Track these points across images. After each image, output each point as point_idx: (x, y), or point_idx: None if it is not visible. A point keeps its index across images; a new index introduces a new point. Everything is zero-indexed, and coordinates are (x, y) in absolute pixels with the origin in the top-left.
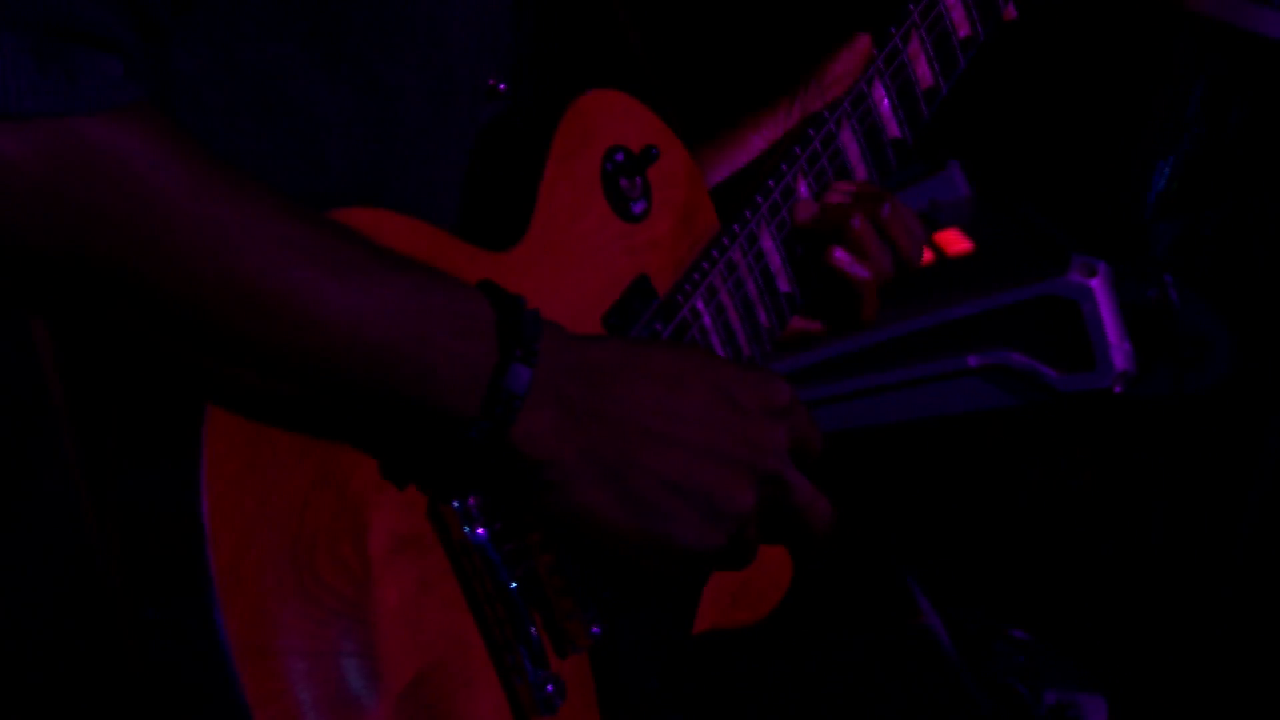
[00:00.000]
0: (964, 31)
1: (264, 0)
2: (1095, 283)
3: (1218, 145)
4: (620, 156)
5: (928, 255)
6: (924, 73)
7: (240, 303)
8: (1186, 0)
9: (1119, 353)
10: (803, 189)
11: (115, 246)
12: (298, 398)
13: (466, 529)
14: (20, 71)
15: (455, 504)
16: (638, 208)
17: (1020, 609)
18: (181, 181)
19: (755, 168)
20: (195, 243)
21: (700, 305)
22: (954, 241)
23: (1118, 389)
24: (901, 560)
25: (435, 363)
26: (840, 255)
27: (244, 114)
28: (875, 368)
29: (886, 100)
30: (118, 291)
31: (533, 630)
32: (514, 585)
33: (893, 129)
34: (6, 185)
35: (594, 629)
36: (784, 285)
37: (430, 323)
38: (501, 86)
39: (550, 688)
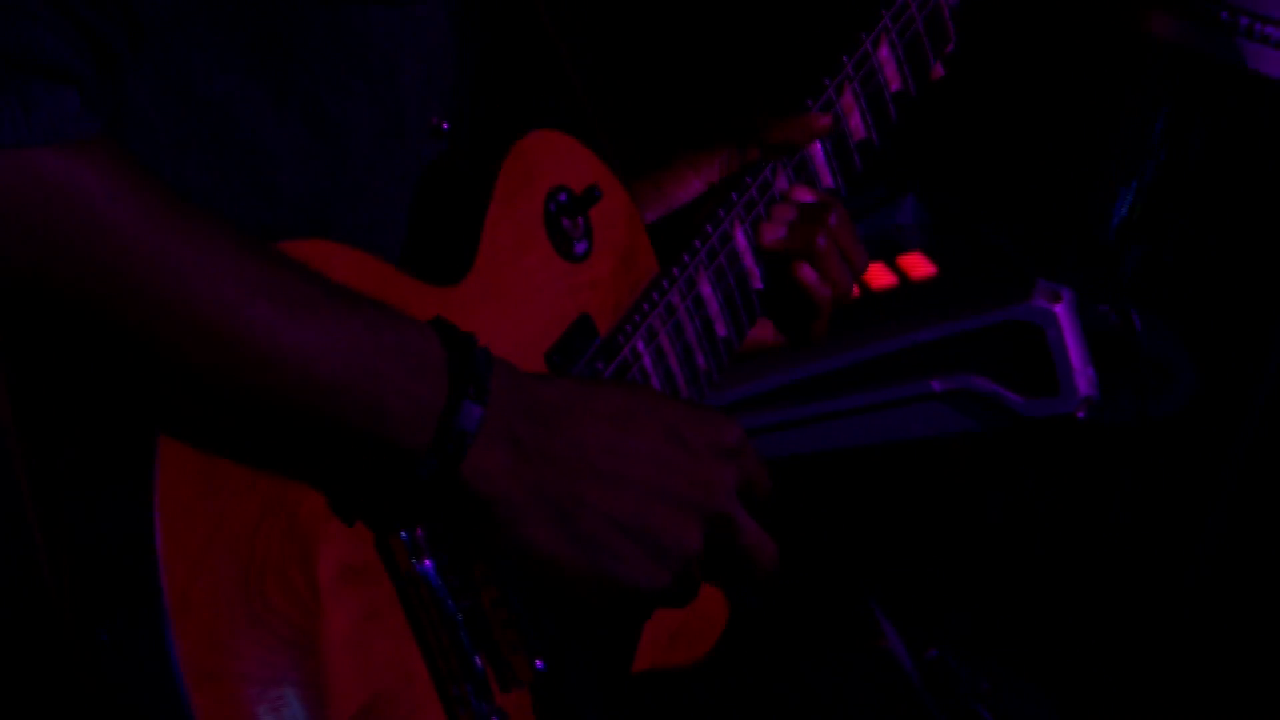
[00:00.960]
0: (896, 86)
1: (214, 34)
2: (1059, 308)
3: (1180, 172)
4: (563, 197)
5: (891, 279)
6: (857, 125)
7: (194, 337)
8: (1151, 27)
9: (1083, 378)
10: (739, 235)
11: (71, 278)
12: (249, 431)
13: (414, 560)
14: None
15: (403, 535)
16: (580, 248)
17: (984, 632)
18: (138, 216)
19: (694, 208)
20: (150, 277)
21: (641, 346)
22: (918, 266)
23: (1081, 414)
24: (865, 583)
25: (386, 400)
26: (807, 272)
27: (194, 145)
28: (839, 392)
29: (821, 152)
30: (73, 321)
31: (477, 662)
32: (459, 617)
33: (827, 179)
34: None
35: (538, 663)
36: (721, 330)
37: (382, 360)
38: (445, 125)
39: None
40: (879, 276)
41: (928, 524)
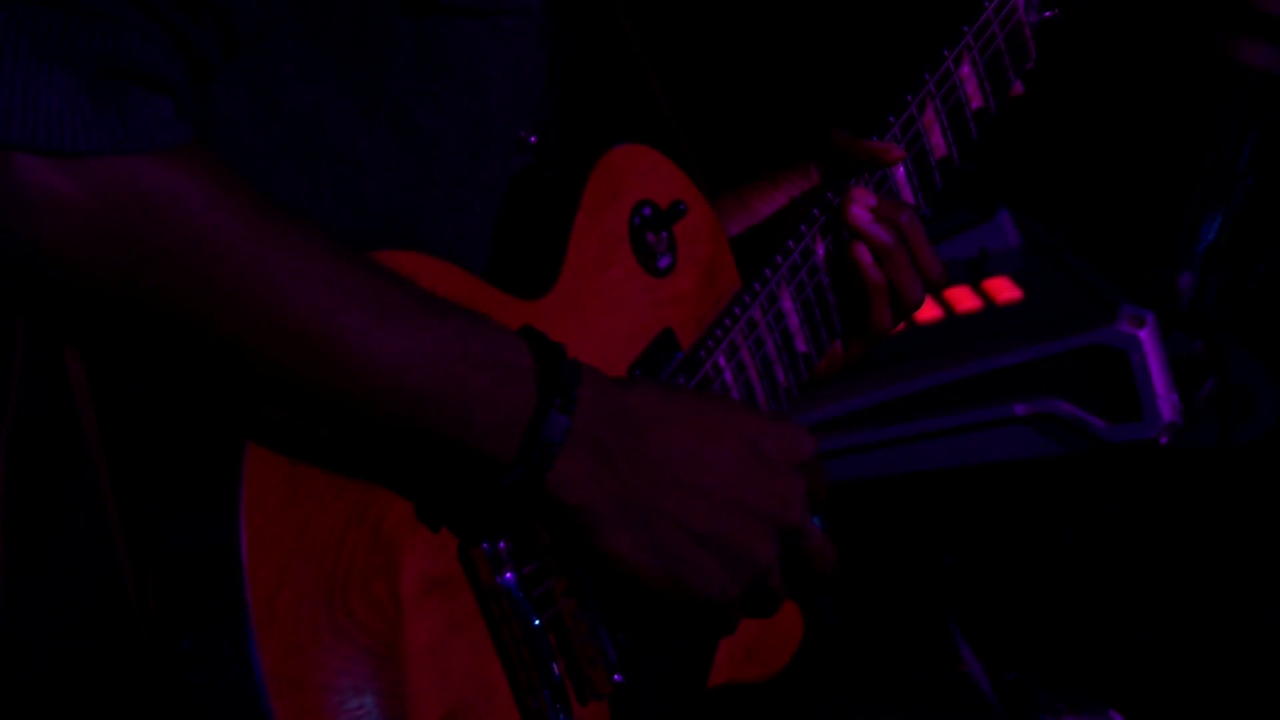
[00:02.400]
0: (977, 103)
1: (303, 46)
2: (1144, 333)
3: (1269, 198)
4: (648, 211)
5: (977, 302)
6: (938, 142)
7: (286, 343)
8: (1240, 54)
9: (1166, 404)
10: (820, 250)
11: (166, 284)
12: (338, 438)
13: (496, 573)
14: (76, 110)
15: (485, 547)
16: (664, 262)
17: (1063, 656)
18: (232, 221)
19: (776, 224)
20: (245, 283)
21: (722, 361)
22: (1003, 289)
23: (1164, 440)
24: (944, 606)
25: (474, 409)
26: (863, 252)
27: (284, 156)
28: (923, 414)
29: (902, 169)
30: (167, 328)
31: (556, 674)
32: (540, 629)
33: (908, 196)
34: (61, 222)
35: (616, 676)
36: (801, 345)
37: (470, 369)
38: (532, 139)
39: None
40: (964, 300)
41: (1007, 547)
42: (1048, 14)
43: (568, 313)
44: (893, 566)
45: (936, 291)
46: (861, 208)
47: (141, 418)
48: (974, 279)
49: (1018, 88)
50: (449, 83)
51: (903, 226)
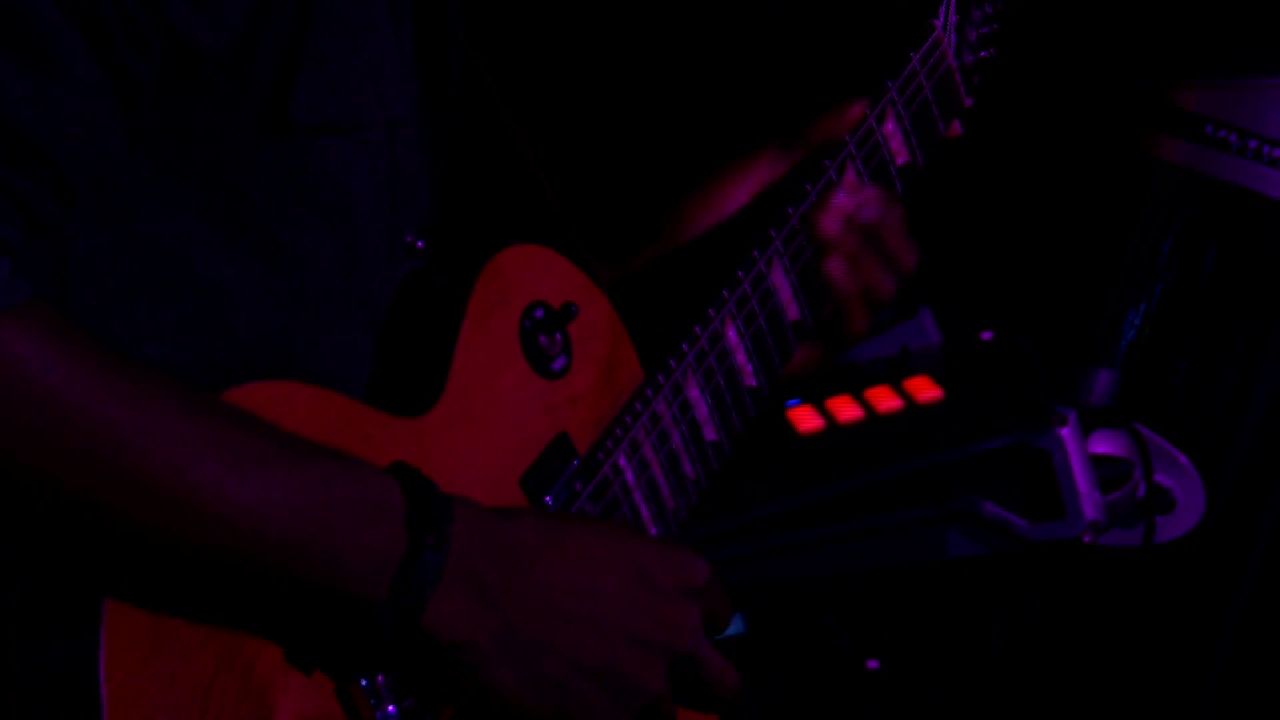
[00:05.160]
0: (902, 159)
1: (158, 177)
2: (1065, 431)
3: (1190, 294)
4: (540, 313)
5: (898, 402)
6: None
7: (140, 501)
8: (1160, 151)
9: (1089, 502)
10: (731, 333)
11: (10, 447)
12: (201, 591)
13: (376, 708)
14: None
15: (364, 683)
16: (558, 364)
17: None
18: (76, 381)
19: (740, 222)
20: (92, 444)
21: (622, 462)
22: (924, 388)
23: (1087, 538)
24: (869, 711)
25: (342, 554)
26: (833, 265)
27: (146, 290)
28: (845, 516)
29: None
30: (15, 489)
31: None
32: None
33: (793, 312)
34: None
35: None
36: (710, 434)
37: (336, 514)
38: (420, 244)
39: None
40: (885, 400)
41: (935, 642)
42: (984, 54)
43: (454, 427)
44: (816, 670)
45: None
46: (832, 218)
47: (9, 560)
48: (895, 378)
49: (955, 129)
50: (314, 202)
51: (876, 228)
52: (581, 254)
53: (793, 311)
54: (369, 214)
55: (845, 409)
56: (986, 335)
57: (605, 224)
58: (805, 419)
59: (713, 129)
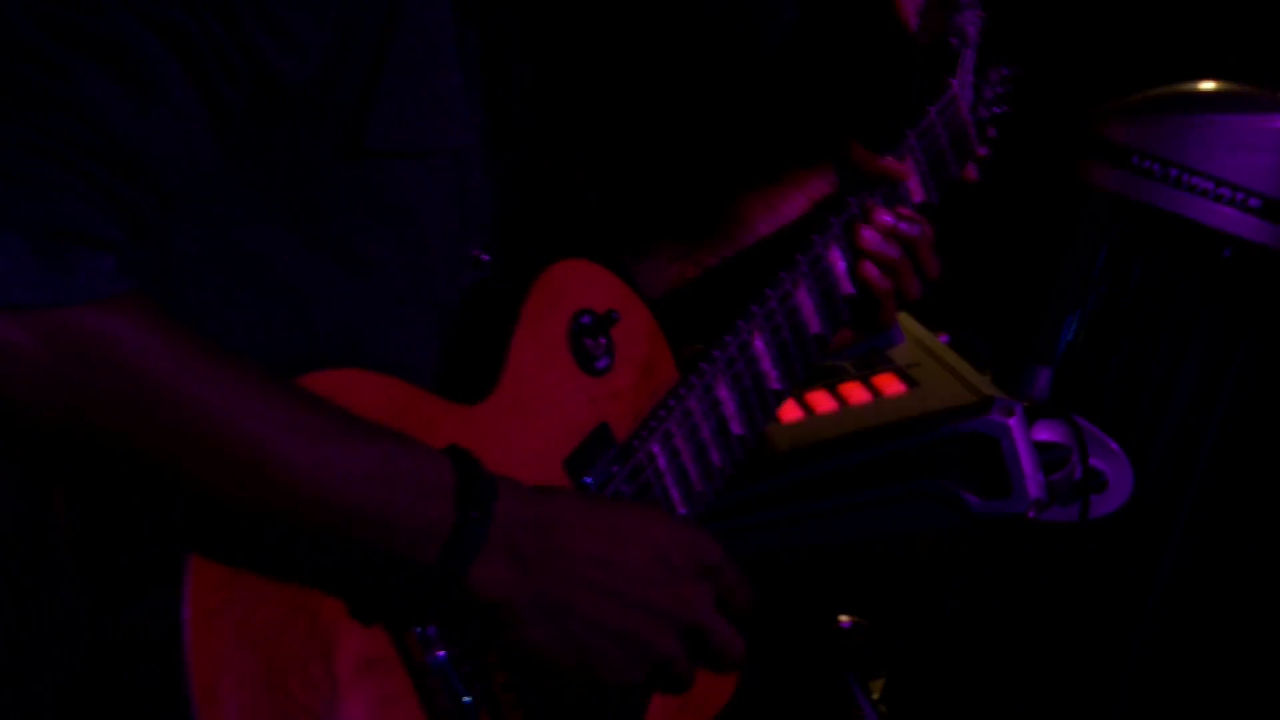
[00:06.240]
0: (918, 198)
1: (251, 192)
2: (1012, 421)
3: (1119, 302)
4: (586, 319)
5: (868, 396)
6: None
7: (220, 471)
8: (1093, 179)
9: (1032, 482)
10: (758, 342)
11: (108, 420)
12: (271, 551)
13: (426, 653)
14: (23, 268)
15: (416, 631)
16: (601, 363)
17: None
18: (167, 363)
19: (797, 230)
20: (179, 418)
21: (656, 449)
22: (890, 384)
23: (1030, 514)
24: (843, 662)
25: (398, 522)
26: (869, 267)
27: (237, 288)
28: (822, 495)
29: (844, 265)
30: (110, 458)
31: None
32: (470, 705)
33: (845, 286)
34: (13, 368)
35: None
36: (737, 428)
37: (394, 487)
38: (485, 257)
39: None
40: (856, 394)
41: (899, 608)
42: (997, 110)
43: (506, 414)
44: (797, 629)
45: (931, 287)
46: (873, 230)
47: (109, 522)
48: (864, 376)
49: (971, 172)
50: (386, 217)
51: (912, 241)
52: (626, 268)
53: (815, 325)
54: (436, 229)
55: (822, 402)
56: (944, 338)
57: (647, 240)
58: (788, 410)
59: (751, 161)
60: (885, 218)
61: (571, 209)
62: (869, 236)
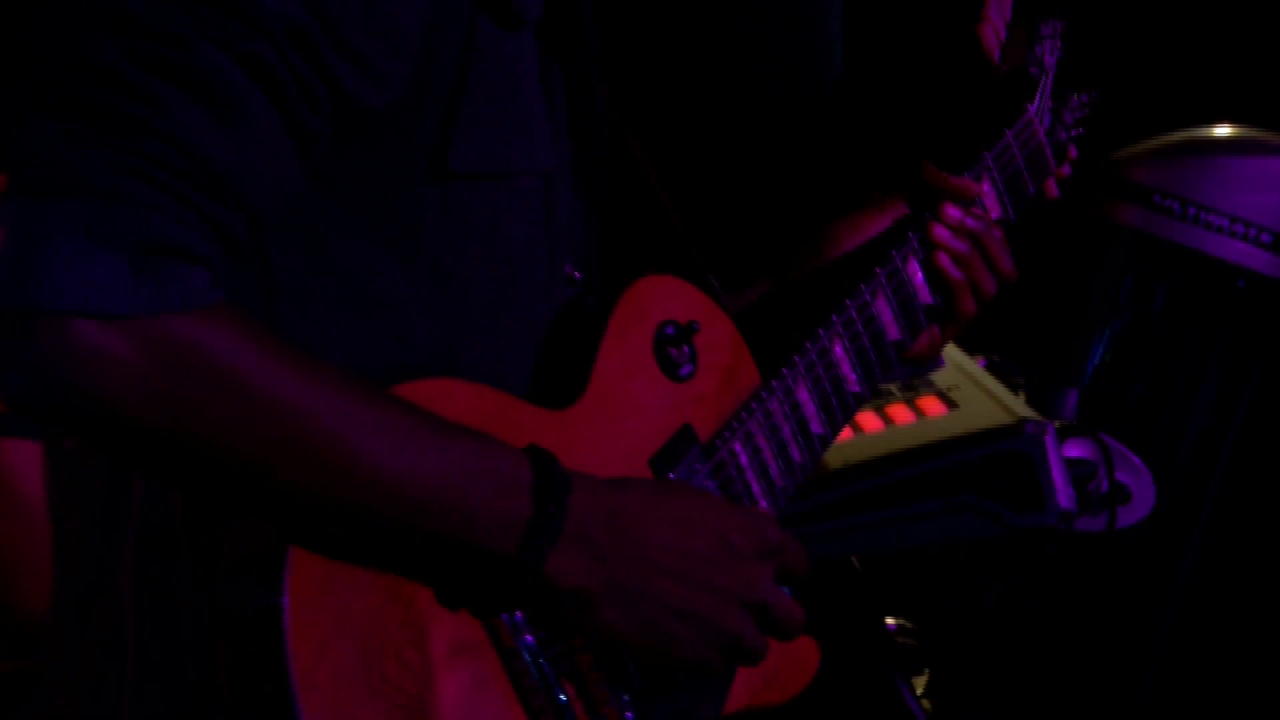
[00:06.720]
0: (995, 214)
1: (347, 210)
2: (1046, 441)
3: (1143, 329)
4: (670, 330)
5: (912, 416)
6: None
7: (311, 468)
8: (1118, 216)
9: (1064, 496)
10: (838, 349)
11: (201, 422)
12: (362, 541)
13: (515, 637)
14: (122, 281)
15: (505, 617)
16: (685, 370)
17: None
18: (257, 368)
19: (875, 246)
20: (269, 419)
21: (738, 447)
22: (932, 406)
23: (1062, 526)
24: (889, 661)
25: (479, 515)
26: (942, 258)
27: (337, 305)
28: (871, 508)
29: (922, 276)
30: (205, 456)
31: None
32: (558, 683)
33: (924, 296)
34: (112, 374)
35: (629, 715)
36: (817, 428)
37: (476, 484)
38: (577, 275)
39: None
40: (902, 415)
41: (944, 611)
42: (1075, 132)
43: (594, 417)
44: (848, 631)
45: (1008, 286)
46: (943, 227)
47: (218, 515)
48: (909, 398)
49: (1051, 189)
50: (475, 236)
51: (980, 236)
52: (710, 282)
53: (893, 332)
54: (524, 247)
55: (869, 421)
56: (982, 363)
57: (730, 257)
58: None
59: (827, 180)
60: (954, 213)
61: (657, 230)
62: (939, 232)
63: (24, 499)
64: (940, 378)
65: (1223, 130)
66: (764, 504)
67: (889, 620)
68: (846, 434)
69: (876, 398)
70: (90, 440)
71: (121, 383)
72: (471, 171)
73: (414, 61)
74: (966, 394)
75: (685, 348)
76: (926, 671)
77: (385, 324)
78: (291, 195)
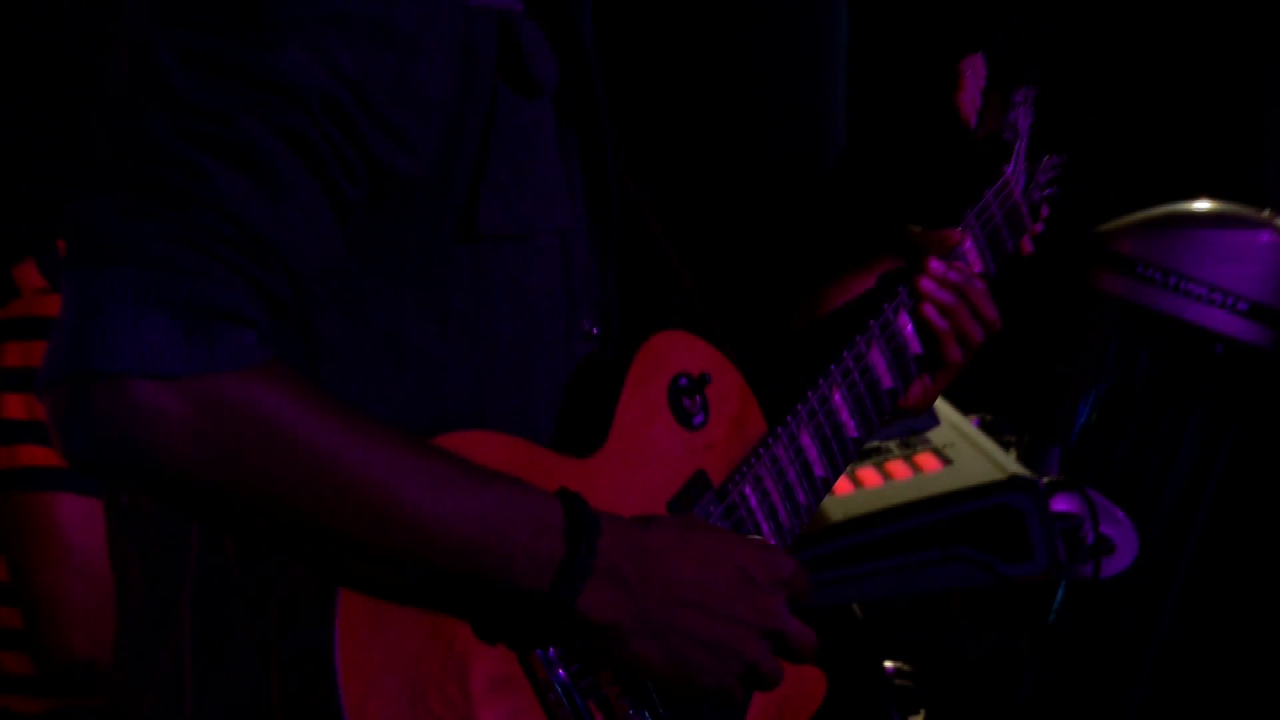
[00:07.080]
0: (978, 268)
1: (384, 273)
2: (1035, 496)
3: (1126, 391)
4: (684, 381)
5: (909, 473)
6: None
7: (356, 514)
8: (1102, 285)
9: (1051, 548)
10: (837, 396)
11: (252, 472)
12: (404, 582)
13: (549, 672)
14: (175, 343)
15: (539, 653)
16: (697, 419)
17: None
18: (303, 422)
19: (870, 299)
20: (316, 469)
21: (748, 491)
22: (928, 463)
23: (1050, 576)
24: (888, 701)
25: (514, 555)
26: (928, 309)
27: (375, 362)
28: (873, 558)
29: (911, 327)
30: (257, 509)
31: None
32: (587, 710)
33: (915, 347)
34: (169, 431)
35: None
36: (820, 471)
37: (512, 526)
38: (595, 330)
39: None
40: (899, 471)
41: (936, 653)
42: (1048, 191)
43: (614, 465)
44: (848, 671)
45: (994, 333)
46: (929, 279)
47: (271, 560)
48: (906, 455)
49: (1026, 246)
50: (501, 294)
51: (963, 287)
52: (719, 335)
53: (888, 381)
54: (546, 304)
55: (870, 478)
56: (975, 421)
57: (736, 311)
58: (840, 484)
59: (823, 243)
60: (938, 266)
61: (668, 288)
62: (925, 285)
63: (74, 550)
64: (936, 435)
65: (1202, 205)
66: (772, 543)
67: (888, 663)
68: (848, 488)
69: (876, 455)
70: (149, 492)
71: (178, 439)
72: (497, 233)
73: (441, 129)
74: (961, 451)
75: (698, 398)
76: (922, 711)
77: (420, 379)
78: (332, 260)
